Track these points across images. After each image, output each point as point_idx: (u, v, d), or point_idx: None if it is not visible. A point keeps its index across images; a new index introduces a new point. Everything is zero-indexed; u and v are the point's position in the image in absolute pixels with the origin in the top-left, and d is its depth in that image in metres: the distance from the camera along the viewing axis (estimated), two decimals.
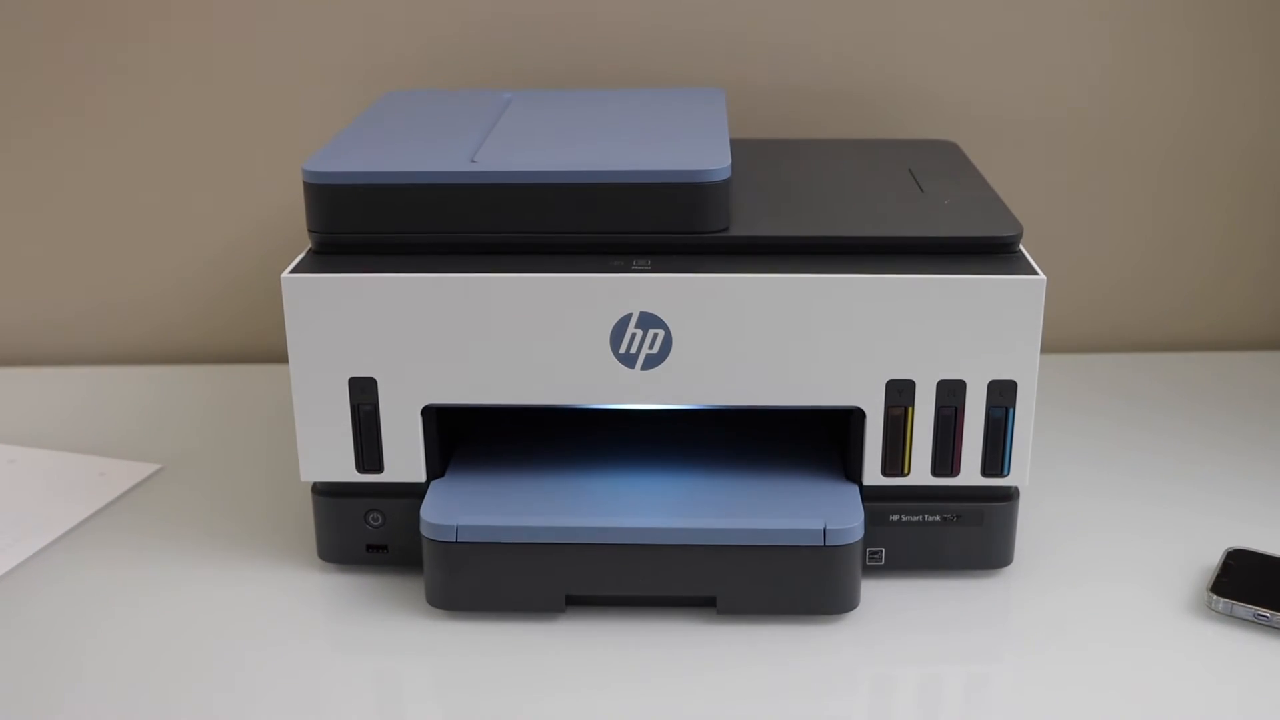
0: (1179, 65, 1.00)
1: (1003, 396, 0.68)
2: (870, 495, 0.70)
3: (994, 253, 0.69)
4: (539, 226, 0.68)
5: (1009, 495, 0.71)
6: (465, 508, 0.69)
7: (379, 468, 0.70)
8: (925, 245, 0.68)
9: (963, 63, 0.99)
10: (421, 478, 0.71)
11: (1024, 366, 0.68)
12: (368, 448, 0.70)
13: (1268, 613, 0.68)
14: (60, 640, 0.69)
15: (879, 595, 0.71)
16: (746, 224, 0.70)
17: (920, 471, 0.70)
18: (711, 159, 0.69)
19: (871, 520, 0.70)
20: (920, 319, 0.67)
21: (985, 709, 0.64)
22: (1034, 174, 1.01)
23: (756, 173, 0.79)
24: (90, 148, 1.01)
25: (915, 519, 0.71)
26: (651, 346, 0.67)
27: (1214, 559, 0.74)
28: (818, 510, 0.68)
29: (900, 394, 0.68)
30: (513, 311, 0.67)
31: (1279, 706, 0.63)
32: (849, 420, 0.71)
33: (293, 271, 0.67)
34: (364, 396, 0.69)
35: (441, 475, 0.72)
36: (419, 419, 0.69)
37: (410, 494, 0.71)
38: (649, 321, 0.67)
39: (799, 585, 0.68)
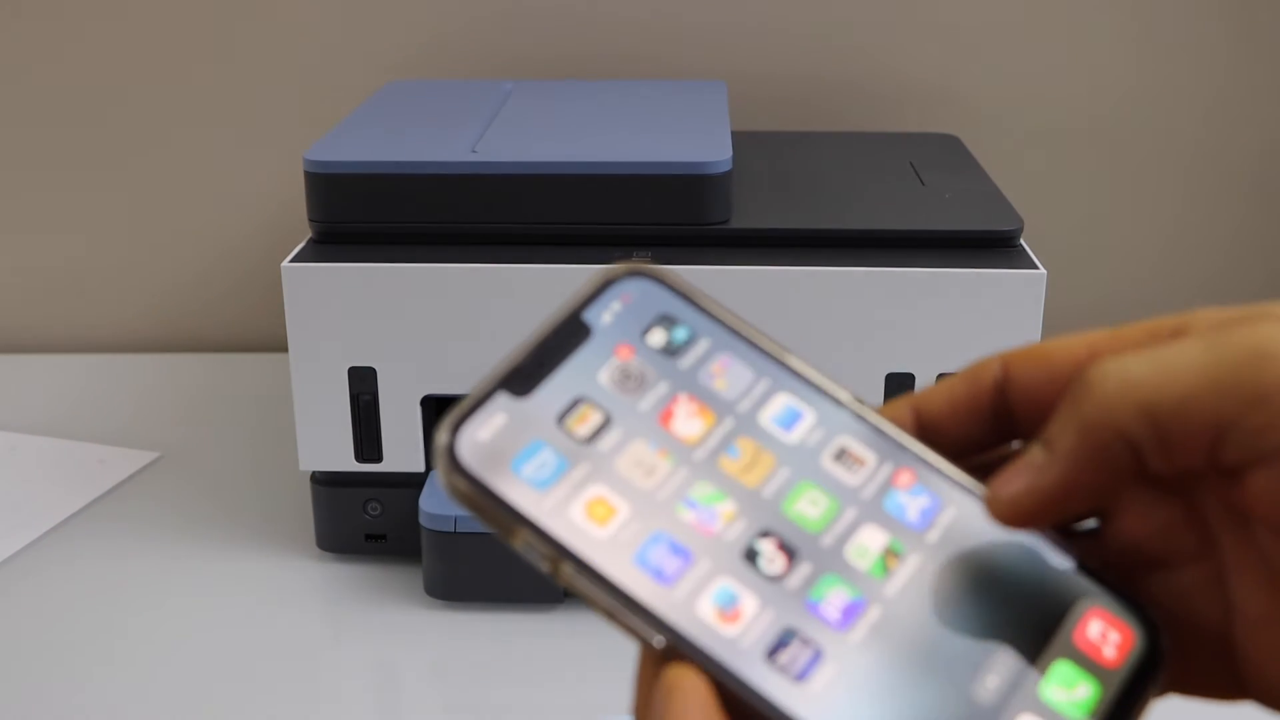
0: (1182, 59, 0.99)
1: None
2: None
3: (995, 246, 0.69)
4: (540, 217, 0.68)
5: None
6: None
7: (378, 457, 0.70)
8: (926, 239, 0.68)
9: (965, 56, 0.99)
10: (420, 468, 0.71)
11: None
12: (367, 437, 0.70)
13: None
14: (59, 627, 0.69)
15: None
16: (748, 216, 0.70)
17: None
18: (713, 150, 0.69)
19: None
20: (921, 312, 0.66)
21: None
22: (1035, 168, 1.01)
23: (758, 165, 0.79)
24: (91, 137, 1.01)
25: None
26: None
27: None
28: None
29: (900, 387, 0.68)
30: (513, 302, 0.67)
31: None
32: None
33: (293, 261, 0.67)
34: (363, 386, 0.69)
35: None
36: (418, 409, 0.69)
37: (409, 484, 0.71)
38: None
39: None
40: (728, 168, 0.68)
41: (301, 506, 0.77)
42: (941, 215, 0.71)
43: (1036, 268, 0.67)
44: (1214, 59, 0.99)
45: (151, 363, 1.03)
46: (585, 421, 0.32)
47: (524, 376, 0.32)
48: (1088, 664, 0.30)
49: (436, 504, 0.68)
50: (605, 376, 0.32)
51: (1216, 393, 0.28)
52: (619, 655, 0.66)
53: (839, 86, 1.00)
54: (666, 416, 0.32)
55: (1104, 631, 0.30)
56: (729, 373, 0.33)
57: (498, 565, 0.68)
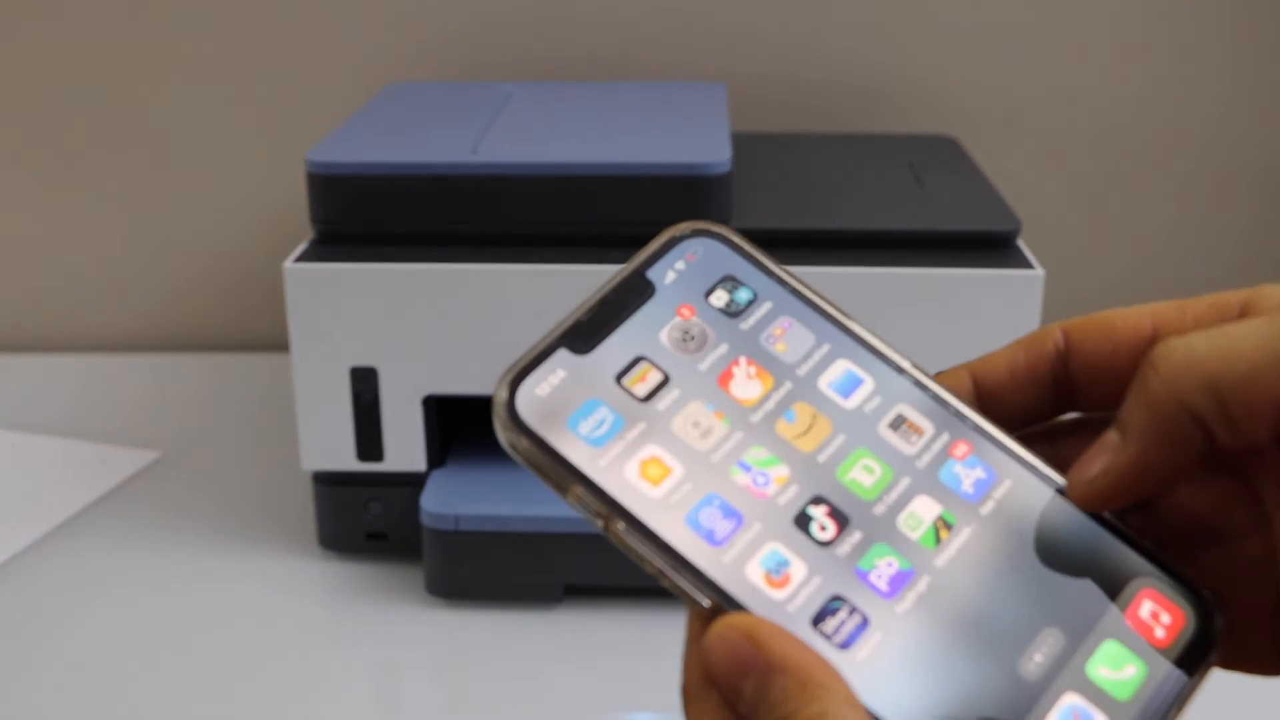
0: (1182, 59, 1.00)
1: None
2: None
3: (992, 247, 0.69)
4: (540, 218, 0.68)
5: None
6: (465, 497, 0.69)
7: (379, 457, 0.71)
8: (924, 239, 0.69)
9: (963, 58, 0.99)
10: (422, 467, 0.71)
11: None
12: (368, 437, 0.70)
13: None
14: (60, 626, 0.69)
15: None
16: (748, 216, 0.70)
17: None
18: (713, 152, 0.69)
19: None
20: (918, 312, 0.67)
21: None
22: (1033, 169, 1.02)
23: (757, 166, 0.79)
24: (92, 136, 1.02)
25: None
26: None
27: None
28: None
29: None
30: (514, 302, 0.67)
31: None
32: None
33: (295, 261, 0.68)
34: (365, 386, 0.69)
35: (442, 465, 0.72)
36: (420, 409, 0.70)
37: (410, 483, 0.71)
38: None
39: None
40: (728, 169, 0.68)
41: (303, 506, 0.78)
42: (939, 216, 0.71)
43: (1034, 268, 0.67)
44: (1213, 59, 1.00)
45: (153, 363, 1.03)
46: (643, 380, 0.32)
47: (585, 333, 0.32)
48: (1137, 644, 0.30)
49: (438, 503, 0.69)
50: (666, 336, 0.32)
51: (1279, 369, 0.28)
52: (618, 654, 0.67)
53: (838, 88, 1.00)
54: (725, 378, 0.32)
55: (1155, 612, 0.30)
56: (790, 336, 0.33)
57: (499, 564, 0.68)
